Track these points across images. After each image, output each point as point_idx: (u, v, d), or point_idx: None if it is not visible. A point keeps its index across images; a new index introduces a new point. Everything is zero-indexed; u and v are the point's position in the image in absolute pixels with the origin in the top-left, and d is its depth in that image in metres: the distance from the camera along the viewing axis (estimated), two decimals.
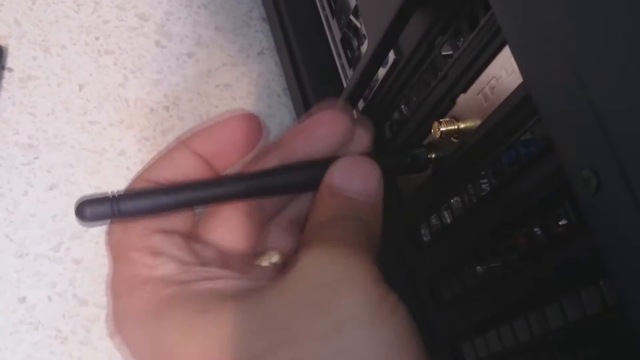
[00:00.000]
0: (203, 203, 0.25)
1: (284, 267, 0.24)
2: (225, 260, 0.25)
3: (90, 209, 0.24)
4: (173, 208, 0.25)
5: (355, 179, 0.25)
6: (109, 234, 0.25)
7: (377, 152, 0.38)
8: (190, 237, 0.25)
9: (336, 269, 0.21)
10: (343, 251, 0.22)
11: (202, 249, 0.25)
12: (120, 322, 0.23)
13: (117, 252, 0.24)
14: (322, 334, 0.19)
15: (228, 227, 0.25)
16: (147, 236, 0.24)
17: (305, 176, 0.26)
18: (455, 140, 0.30)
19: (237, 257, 0.25)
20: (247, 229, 0.25)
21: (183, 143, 0.25)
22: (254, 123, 0.25)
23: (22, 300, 0.41)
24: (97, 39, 0.49)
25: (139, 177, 0.25)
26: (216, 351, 0.21)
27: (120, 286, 0.24)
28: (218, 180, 0.25)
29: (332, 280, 0.20)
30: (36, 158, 0.44)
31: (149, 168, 0.25)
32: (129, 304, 0.23)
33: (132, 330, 0.23)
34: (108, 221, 0.24)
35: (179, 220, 0.25)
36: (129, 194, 0.24)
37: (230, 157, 0.25)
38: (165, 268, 0.23)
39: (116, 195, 0.24)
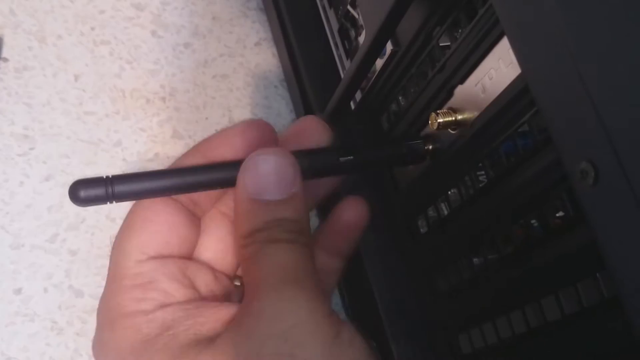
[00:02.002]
0: (196, 188, 0.25)
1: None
2: (216, 277, 0.27)
3: (84, 190, 0.23)
4: (167, 192, 0.25)
5: (268, 179, 0.24)
6: (111, 251, 0.26)
7: (375, 143, 0.37)
8: (190, 259, 0.27)
9: (290, 316, 0.22)
10: (291, 294, 0.22)
11: (197, 270, 0.26)
12: (102, 353, 0.25)
13: (113, 274, 0.25)
14: None
15: (219, 246, 0.28)
16: (142, 262, 0.25)
17: None
18: (452, 131, 0.29)
19: (225, 273, 0.28)
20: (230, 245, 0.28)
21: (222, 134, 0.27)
22: (266, 130, 0.27)
23: (18, 291, 0.41)
24: (92, 29, 0.49)
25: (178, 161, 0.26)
26: None
27: (105, 314, 0.25)
28: (212, 166, 0.25)
29: (288, 327, 0.22)
30: (32, 149, 0.44)
31: (195, 149, 0.27)
32: (111, 338, 0.24)
33: None
34: (102, 203, 0.24)
35: (178, 243, 0.26)
36: (123, 176, 0.24)
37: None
38: (150, 304, 0.24)
39: (110, 177, 0.24)
